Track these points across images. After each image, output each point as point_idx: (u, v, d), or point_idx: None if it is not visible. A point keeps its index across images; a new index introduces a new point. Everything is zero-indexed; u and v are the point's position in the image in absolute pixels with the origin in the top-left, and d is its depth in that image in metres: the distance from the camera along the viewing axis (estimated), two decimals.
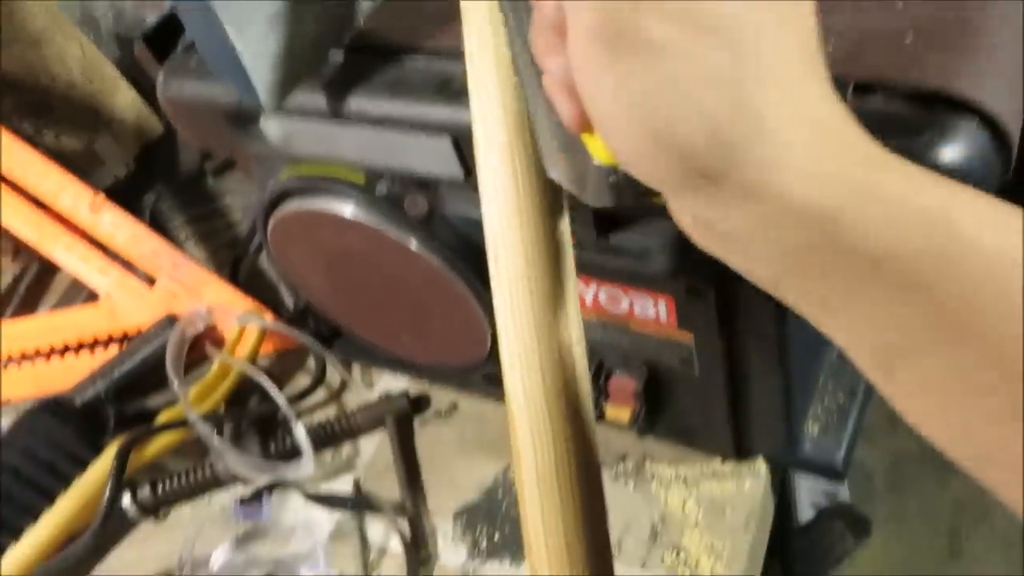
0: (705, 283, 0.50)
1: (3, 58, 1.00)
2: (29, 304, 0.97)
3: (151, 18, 1.14)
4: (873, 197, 0.24)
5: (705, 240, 0.29)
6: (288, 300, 0.82)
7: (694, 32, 0.24)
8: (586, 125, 0.30)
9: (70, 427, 0.71)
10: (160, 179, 1.13)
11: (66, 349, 0.85)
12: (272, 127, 0.57)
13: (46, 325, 0.86)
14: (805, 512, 1.71)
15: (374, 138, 0.53)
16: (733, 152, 0.25)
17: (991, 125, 0.39)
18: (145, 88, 1.16)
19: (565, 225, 0.40)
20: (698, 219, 0.29)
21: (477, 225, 0.56)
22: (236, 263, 0.90)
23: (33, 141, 1.02)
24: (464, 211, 0.57)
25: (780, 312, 0.51)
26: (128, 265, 0.87)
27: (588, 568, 0.36)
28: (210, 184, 1.09)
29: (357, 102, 0.52)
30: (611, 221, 0.52)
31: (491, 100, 0.40)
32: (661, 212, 0.48)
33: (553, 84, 0.31)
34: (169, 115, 0.62)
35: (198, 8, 0.45)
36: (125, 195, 1.07)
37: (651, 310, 0.54)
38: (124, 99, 1.13)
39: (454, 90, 0.49)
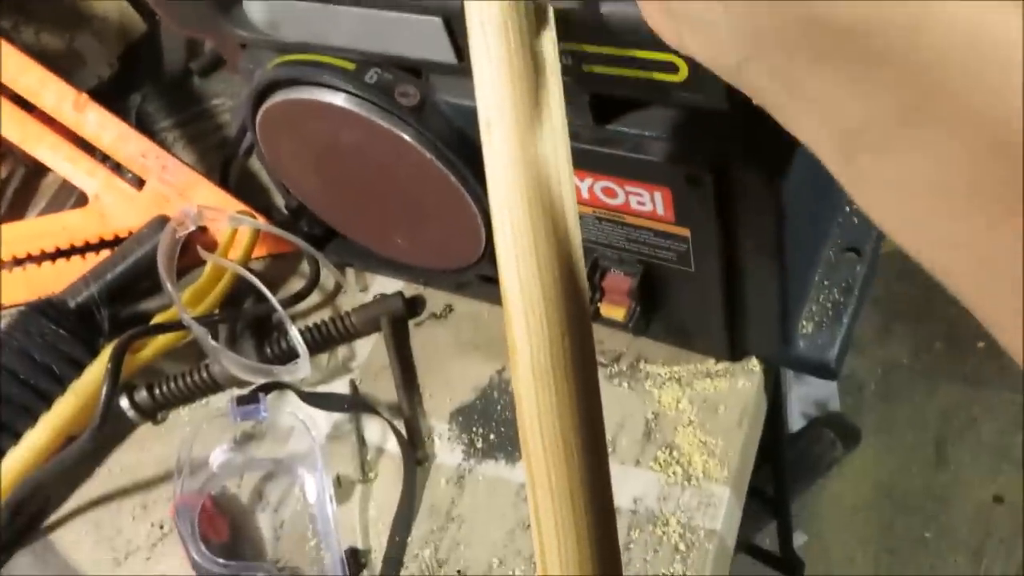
0: (703, 171, 0.49)
1: None
2: (17, 208, 0.95)
3: None
4: None
5: (668, 27, 0.29)
6: (280, 202, 0.81)
7: None
8: None
9: (65, 328, 0.70)
10: (145, 79, 1.10)
11: (57, 253, 0.84)
12: (256, 9, 0.54)
13: (35, 229, 0.85)
14: (796, 421, 1.74)
15: (362, 20, 0.51)
16: None
17: None
18: None
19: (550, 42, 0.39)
20: (668, 5, 0.28)
21: (470, 115, 0.55)
22: (226, 165, 0.88)
23: (11, 39, 0.99)
24: (457, 100, 0.56)
25: (779, 206, 0.50)
26: (116, 167, 0.85)
27: (583, 463, 0.35)
28: (196, 85, 1.06)
29: None
30: (608, 108, 0.51)
31: None
32: (647, 84, 0.46)
33: None
34: (151, 3, 0.59)
35: None
36: (109, 96, 1.04)
37: (648, 203, 0.53)
38: None
39: None
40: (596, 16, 0.42)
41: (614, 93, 0.48)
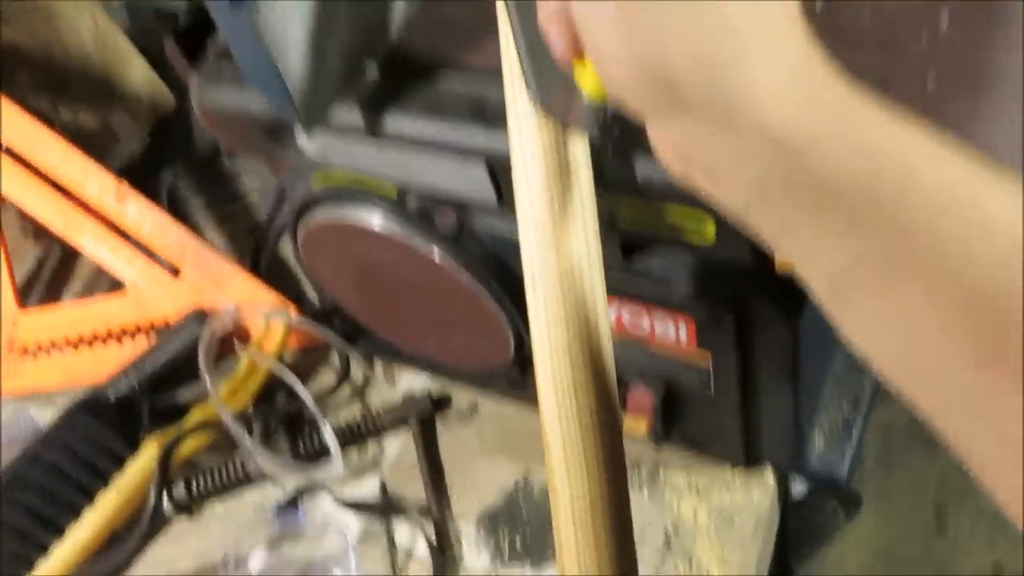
0: (725, 307, 0.52)
1: (16, 32, 1.00)
2: (54, 288, 0.99)
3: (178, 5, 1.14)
4: (846, 129, 0.26)
5: (681, 169, 0.31)
6: (312, 294, 0.84)
7: None
8: (578, 55, 0.33)
9: (107, 423, 0.73)
10: (176, 155, 1.14)
11: (93, 339, 0.87)
12: (308, 140, 0.58)
13: (72, 315, 0.88)
14: (797, 488, 1.76)
15: (408, 158, 0.55)
16: (715, 74, 0.27)
17: None
18: (157, 59, 1.16)
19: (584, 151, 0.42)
20: (678, 148, 0.31)
21: (505, 242, 0.59)
22: (257, 251, 0.91)
23: (50, 119, 1.03)
24: (493, 228, 0.59)
25: (795, 340, 0.53)
26: (151, 254, 0.88)
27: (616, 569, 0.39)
28: (226, 164, 1.10)
29: (393, 121, 0.53)
30: (636, 245, 0.54)
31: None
32: (676, 240, 0.50)
33: (548, 16, 0.33)
34: (203, 122, 0.63)
35: (240, 27, 0.46)
36: (142, 172, 1.08)
37: (671, 331, 0.56)
38: (137, 72, 1.13)
39: (490, 114, 0.50)
40: (630, 174, 0.46)
41: (643, 240, 0.52)
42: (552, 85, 0.37)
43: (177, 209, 1.05)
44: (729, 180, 0.29)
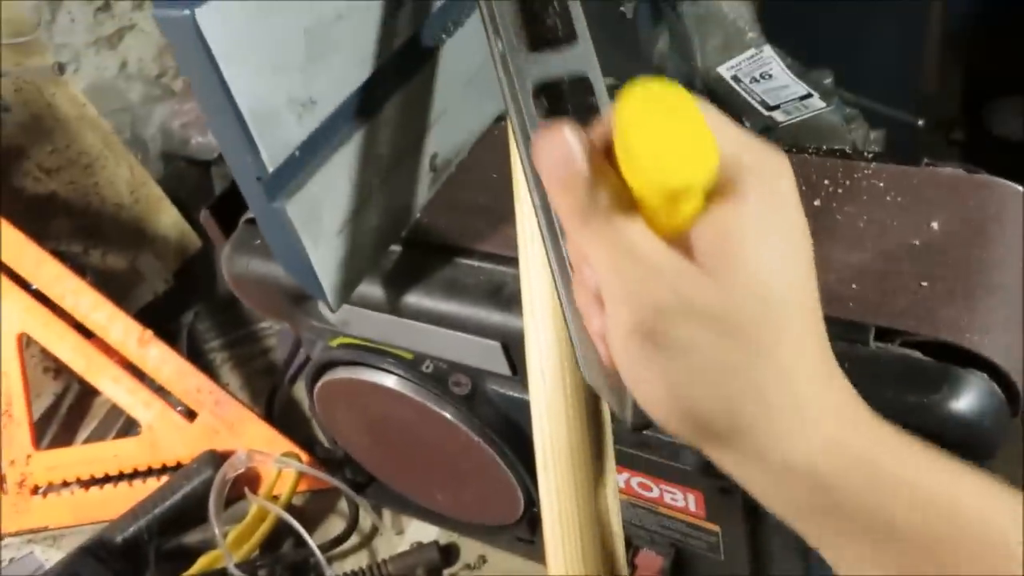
0: (735, 484, 0.54)
1: (59, 182, 1.06)
2: (69, 426, 1.01)
3: (198, 142, 1.20)
4: (872, 471, 0.28)
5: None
6: (324, 439, 0.85)
7: (716, 335, 0.28)
8: None
9: (112, 568, 0.73)
10: (198, 295, 1.18)
11: (105, 479, 0.88)
12: (332, 312, 0.61)
13: (87, 455, 0.90)
14: None
15: (426, 331, 0.57)
16: (744, 426, 0.29)
17: (999, 377, 0.43)
18: (186, 204, 1.22)
19: (606, 409, 0.44)
20: (718, 463, 0.32)
21: (516, 403, 0.61)
22: (272, 395, 0.94)
23: (80, 261, 1.07)
24: (505, 389, 0.61)
25: None
26: (169, 396, 0.90)
27: None
28: (246, 306, 1.13)
29: (413, 298, 0.57)
30: (646, 420, 0.56)
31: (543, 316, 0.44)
32: None
33: (595, 335, 0.35)
34: (232, 287, 0.66)
35: (275, 219, 0.50)
36: (164, 311, 1.12)
37: (681, 501, 0.57)
38: (167, 218, 1.19)
39: (505, 297, 0.54)
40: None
41: None
42: (597, 371, 0.38)
43: (196, 348, 1.08)
44: (767, 500, 0.31)
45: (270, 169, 0.46)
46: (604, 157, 0.29)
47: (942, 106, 2.08)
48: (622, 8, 1.00)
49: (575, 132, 0.29)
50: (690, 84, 0.87)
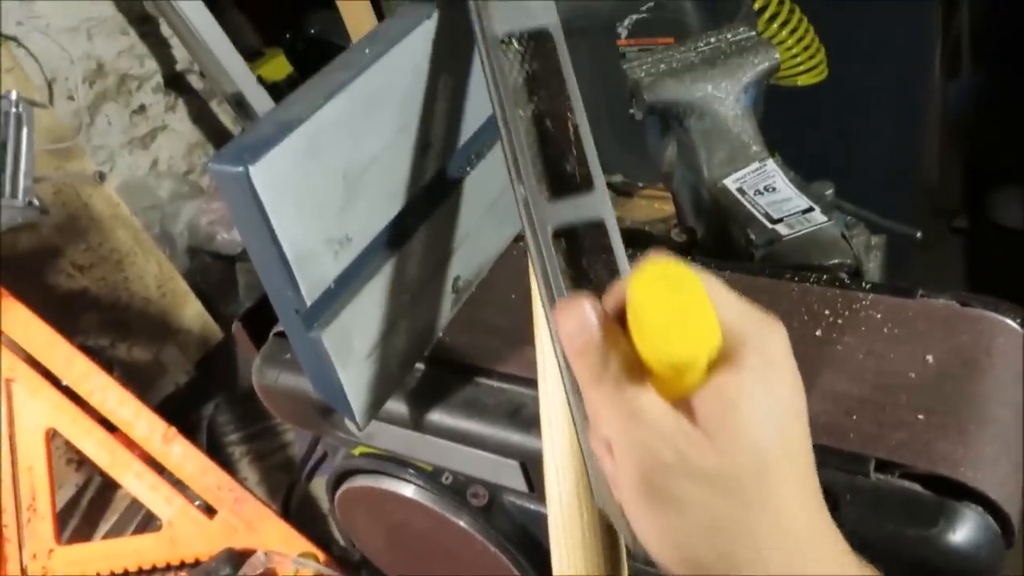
0: None
1: (90, 279, 1.10)
2: (90, 519, 1.02)
3: (223, 237, 1.25)
4: None
5: None
6: (340, 537, 0.87)
7: (714, 494, 0.31)
8: None
9: None
10: (219, 388, 1.21)
11: (124, 573, 0.89)
12: (359, 430, 0.64)
13: (107, 551, 0.92)
14: None
15: (448, 449, 0.60)
16: (739, 571, 0.31)
17: (994, 510, 0.45)
18: (209, 296, 1.26)
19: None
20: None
21: (532, 516, 0.63)
22: (289, 491, 0.96)
23: (107, 355, 1.11)
24: (522, 502, 0.63)
25: None
26: (189, 492, 0.93)
27: None
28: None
29: (436, 416, 0.59)
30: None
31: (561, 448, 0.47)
32: None
33: (607, 475, 0.37)
34: (261, 398, 0.69)
35: (311, 346, 0.53)
36: (185, 403, 1.14)
37: None
38: (191, 310, 1.23)
39: (524, 418, 0.56)
40: None
41: None
42: (612, 504, 0.40)
43: (216, 441, 1.10)
44: None
45: (308, 303, 0.50)
46: (617, 324, 0.33)
47: (944, 196, 2.13)
48: (632, 111, 1.05)
49: (592, 305, 0.32)
50: (697, 194, 0.92)
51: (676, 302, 0.29)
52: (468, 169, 0.62)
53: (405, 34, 0.52)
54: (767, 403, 0.31)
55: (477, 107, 0.61)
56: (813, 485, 0.33)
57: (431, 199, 0.59)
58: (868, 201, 0.95)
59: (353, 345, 0.54)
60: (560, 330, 0.33)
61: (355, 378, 0.55)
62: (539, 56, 0.50)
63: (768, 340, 0.32)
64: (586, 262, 0.45)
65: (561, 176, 0.48)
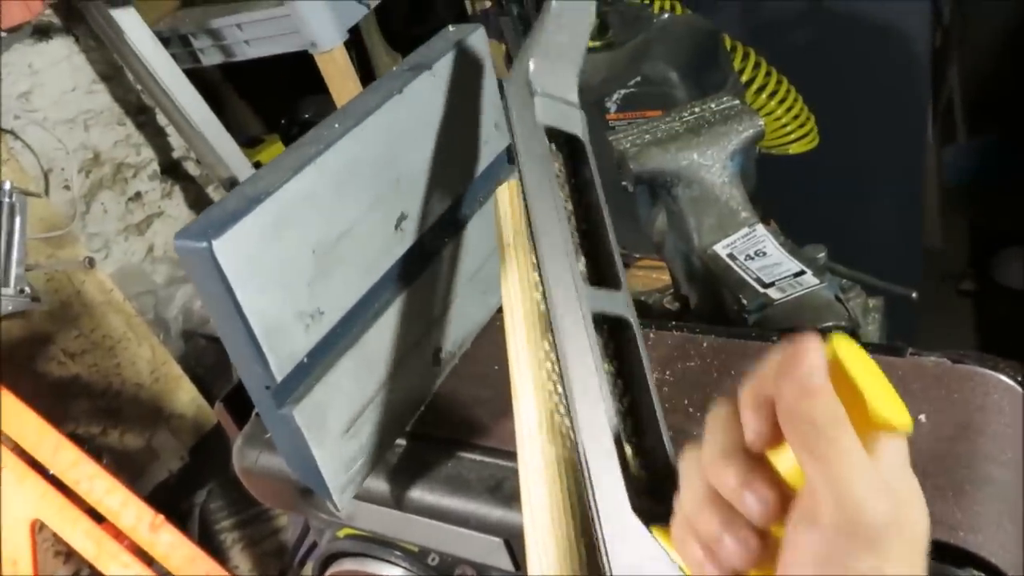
0: None
1: (81, 365, 1.09)
2: None
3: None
4: None
5: None
6: None
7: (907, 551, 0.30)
8: None
9: None
10: (213, 471, 1.19)
11: None
12: (337, 511, 0.62)
13: None
14: None
15: (430, 528, 0.58)
16: None
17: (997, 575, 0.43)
18: (204, 380, 1.25)
19: None
20: None
21: None
22: None
23: (97, 443, 1.09)
24: None
25: None
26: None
27: None
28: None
29: (417, 494, 0.58)
30: None
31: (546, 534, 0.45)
32: None
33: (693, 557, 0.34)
34: (242, 479, 0.67)
35: (283, 424, 0.52)
36: (178, 489, 1.12)
37: None
38: (185, 395, 1.21)
39: (506, 493, 0.55)
40: None
41: None
42: None
43: (207, 528, 1.08)
44: None
45: (278, 378, 0.49)
46: None
47: (948, 259, 2.13)
48: (624, 183, 1.06)
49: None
50: (688, 261, 0.91)
51: (877, 372, 0.31)
52: (447, 240, 0.62)
53: (376, 108, 0.53)
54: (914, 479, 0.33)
55: (455, 180, 0.62)
56: None
57: (408, 271, 0.58)
58: (873, 268, 0.94)
59: (328, 422, 0.53)
60: (804, 360, 0.30)
61: (331, 456, 0.54)
62: (569, 160, 0.50)
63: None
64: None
65: (598, 273, 0.48)
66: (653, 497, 0.41)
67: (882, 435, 0.31)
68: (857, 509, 0.30)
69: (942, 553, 0.44)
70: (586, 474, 0.40)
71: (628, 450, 0.42)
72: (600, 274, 0.48)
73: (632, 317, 0.45)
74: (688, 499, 0.34)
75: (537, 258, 0.45)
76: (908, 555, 0.30)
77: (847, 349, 0.31)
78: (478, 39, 0.60)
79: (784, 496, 0.32)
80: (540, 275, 0.44)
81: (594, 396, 0.41)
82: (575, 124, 0.50)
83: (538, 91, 0.48)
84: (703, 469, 0.34)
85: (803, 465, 0.31)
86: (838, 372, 0.30)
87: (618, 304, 0.45)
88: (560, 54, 0.50)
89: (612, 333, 0.46)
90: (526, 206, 0.46)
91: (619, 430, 0.41)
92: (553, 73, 0.50)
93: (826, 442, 0.30)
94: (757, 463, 0.32)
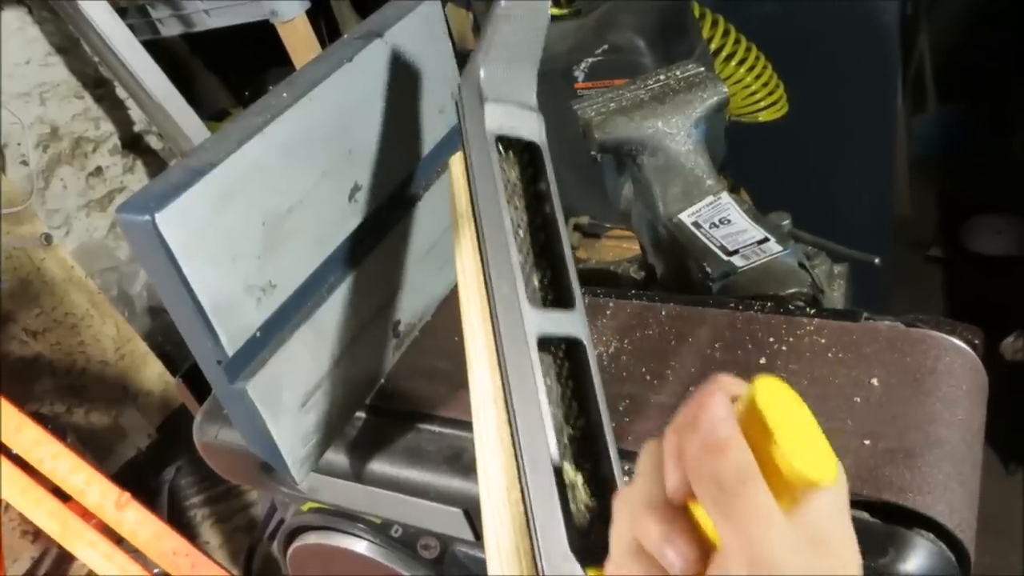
0: None
1: (43, 344, 1.08)
2: None
3: None
4: None
5: None
6: None
7: None
8: None
9: None
10: (181, 448, 1.18)
11: None
12: (296, 484, 0.62)
13: None
14: None
15: (392, 500, 0.58)
16: None
17: (948, 538, 0.44)
18: (172, 356, 1.23)
19: None
20: None
21: (485, 565, 0.60)
22: (251, 552, 0.93)
23: (62, 422, 1.08)
24: (475, 552, 0.61)
25: None
26: (146, 560, 0.89)
27: None
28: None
29: (377, 466, 0.57)
30: None
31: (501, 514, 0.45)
32: None
33: None
34: (203, 454, 0.67)
35: (237, 399, 0.51)
36: (146, 467, 1.11)
37: None
38: (152, 372, 1.20)
39: (465, 463, 0.55)
40: None
41: None
42: None
43: (177, 504, 1.07)
44: None
45: (230, 353, 0.48)
46: None
47: (917, 227, 2.15)
48: (593, 152, 1.05)
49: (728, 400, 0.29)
50: (654, 229, 0.91)
51: (803, 420, 0.28)
52: (402, 213, 0.61)
53: (325, 77, 0.52)
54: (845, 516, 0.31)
55: (410, 151, 0.61)
56: None
57: (363, 244, 0.58)
58: (844, 236, 0.94)
59: (283, 396, 0.52)
60: (705, 413, 0.29)
61: (287, 430, 0.53)
62: (523, 166, 0.48)
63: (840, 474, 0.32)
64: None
65: (546, 292, 0.46)
66: (606, 525, 0.40)
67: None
68: (770, 568, 0.28)
69: (891, 514, 0.44)
70: (528, 510, 0.40)
71: (579, 478, 0.41)
72: (557, 290, 0.46)
73: (585, 337, 0.43)
74: (616, 546, 0.33)
75: (485, 278, 0.43)
76: None
77: (769, 393, 0.28)
78: (432, 7, 0.59)
79: (706, 549, 0.30)
80: (488, 295, 0.43)
81: (536, 429, 0.40)
82: (532, 129, 0.48)
83: (489, 98, 0.45)
84: (628, 517, 0.32)
85: (715, 523, 0.29)
86: (756, 419, 0.28)
87: (572, 324, 0.43)
88: (514, 55, 0.47)
89: (568, 354, 0.44)
90: (475, 223, 0.44)
91: (564, 459, 0.40)
92: (507, 76, 0.47)
93: (733, 500, 0.29)
94: (680, 514, 0.31)
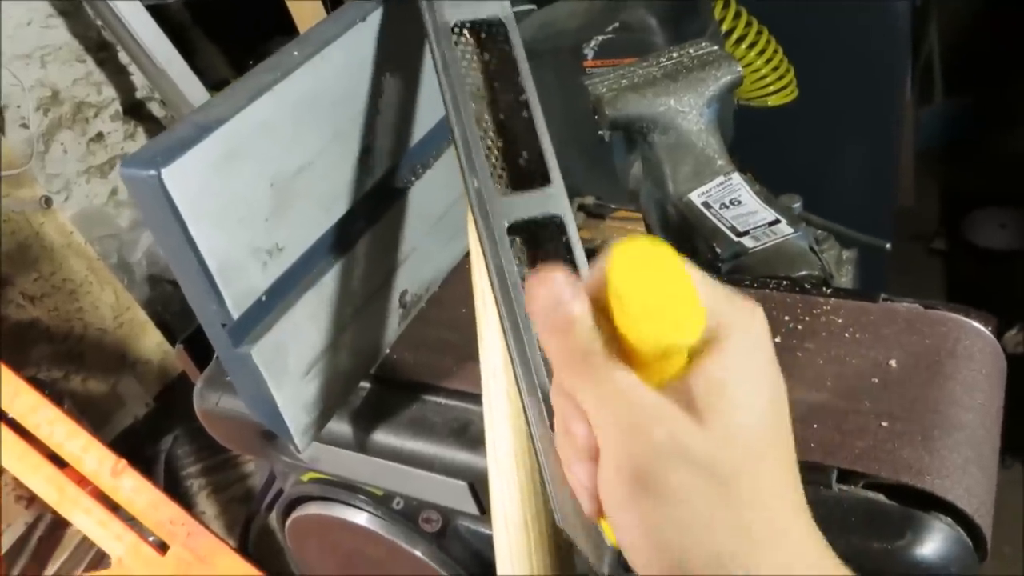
0: None
1: (42, 309, 1.07)
2: (40, 557, 0.98)
3: None
4: None
5: None
6: (295, 568, 0.83)
7: (707, 484, 0.28)
8: (603, 514, 0.33)
9: None
10: (179, 418, 1.17)
11: None
12: (298, 452, 0.61)
13: None
14: None
15: (395, 471, 0.57)
16: (726, 569, 0.28)
17: (964, 521, 0.43)
18: (171, 325, 1.22)
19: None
20: None
21: (488, 540, 0.59)
22: (247, 523, 0.92)
23: (59, 388, 1.07)
24: (477, 526, 0.60)
25: None
26: (142, 528, 0.89)
27: None
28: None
29: (381, 437, 0.56)
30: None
31: (508, 462, 0.44)
32: None
33: (576, 485, 0.33)
34: (203, 422, 0.66)
35: (241, 363, 0.50)
36: (144, 436, 1.11)
37: None
38: (150, 341, 1.19)
39: (471, 436, 0.54)
40: None
41: None
42: (575, 520, 0.37)
43: (174, 474, 1.06)
44: None
45: (235, 316, 0.47)
46: (593, 307, 0.30)
47: (920, 219, 2.14)
48: (600, 132, 1.04)
49: (568, 278, 0.29)
50: (663, 208, 0.90)
51: (661, 282, 0.27)
52: (413, 179, 0.60)
53: (337, 36, 0.50)
54: (756, 386, 0.29)
55: (422, 114, 0.59)
56: (795, 464, 0.30)
57: (372, 209, 0.56)
58: (847, 224, 0.93)
59: (288, 362, 0.51)
60: (534, 305, 0.29)
61: (292, 397, 0.52)
62: (492, 48, 0.47)
63: (751, 323, 0.30)
64: (544, 260, 0.43)
65: (516, 171, 0.46)
66: None
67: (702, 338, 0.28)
68: (642, 444, 0.28)
69: (909, 497, 0.43)
70: (539, 457, 0.39)
71: None
72: (531, 172, 0.44)
73: (565, 212, 0.42)
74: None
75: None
76: (736, 461, 0.28)
77: (626, 260, 0.27)
78: None
79: None
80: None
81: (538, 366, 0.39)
82: (494, 6, 0.46)
83: None
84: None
85: (583, 406, 0.30)
86: (611, 290, 0.27)
87: (551, 202, 0.42)
88: None
89: (552, 236, 0.43)
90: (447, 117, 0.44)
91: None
92: None
93: (582, 379, 0.29)
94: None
